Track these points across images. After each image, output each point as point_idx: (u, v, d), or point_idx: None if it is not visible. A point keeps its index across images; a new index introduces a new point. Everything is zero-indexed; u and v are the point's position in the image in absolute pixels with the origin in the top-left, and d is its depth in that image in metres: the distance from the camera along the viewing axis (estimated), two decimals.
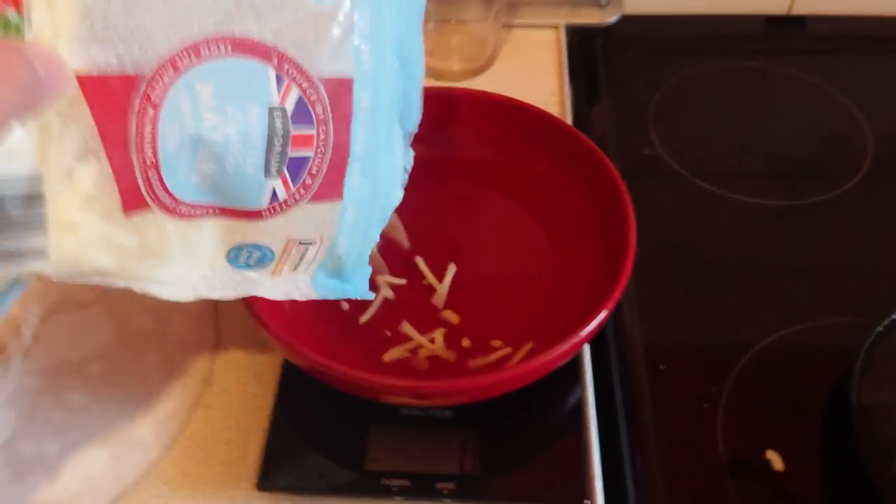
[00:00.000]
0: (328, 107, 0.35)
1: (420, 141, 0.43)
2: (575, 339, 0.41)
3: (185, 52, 0.31)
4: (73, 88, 0.30)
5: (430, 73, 0.69)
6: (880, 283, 0.56)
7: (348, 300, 0.50)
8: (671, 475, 0.46)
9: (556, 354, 0.40)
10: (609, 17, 0.76)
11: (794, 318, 0.53)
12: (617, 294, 0.42)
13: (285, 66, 0.34)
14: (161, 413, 0.47)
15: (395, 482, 0.43)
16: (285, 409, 0.46)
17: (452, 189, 0.57)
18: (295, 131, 0.35)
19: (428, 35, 0.40)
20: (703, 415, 0.49)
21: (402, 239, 0.52)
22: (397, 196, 0.42)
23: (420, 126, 0.42)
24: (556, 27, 0.75)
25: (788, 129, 0.68)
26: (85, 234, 0.33)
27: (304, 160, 0.36)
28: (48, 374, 0.48)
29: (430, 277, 0.51)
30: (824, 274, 0.57)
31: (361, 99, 0.36)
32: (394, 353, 0.48)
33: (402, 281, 0.51)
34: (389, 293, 0.51)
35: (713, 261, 0.58)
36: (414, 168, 0.43)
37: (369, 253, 0.42)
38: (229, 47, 0.32)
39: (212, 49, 0.32)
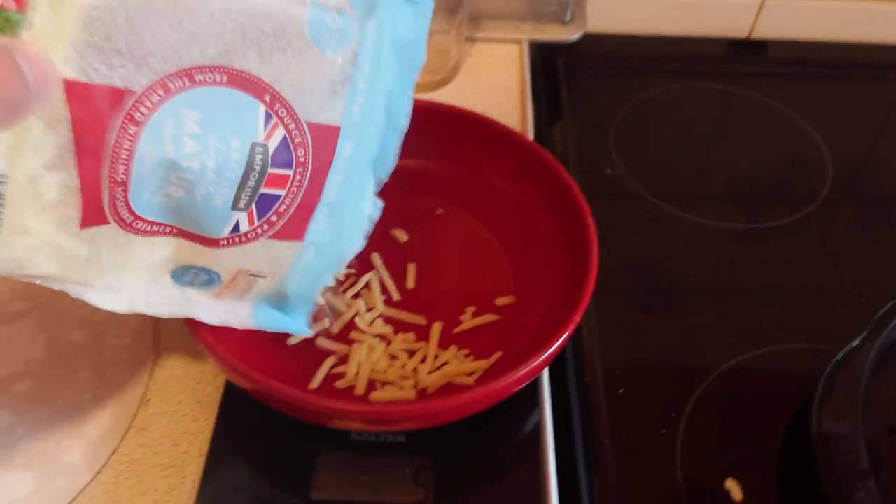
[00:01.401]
0: (310, 151, 0.35)
1: None
2: (535, 363, 0.39)
3: (179, 76, 0.30)
4: (59, 95, 0.28)
5: None
6: (840, 309, 0.56)
7: None
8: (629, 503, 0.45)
9: (516, 378, 0.39)
10: (572, 35, 0.75)
11: (754, 343, 0.53)
12: (578, 316, 0.41)
13: (276, 105, 0.33)
14: (92, 434, 0.44)
15: None
16: (226, 432, 0.44)
17: (409, 202, 0.55)
18: (272, 170, 0.34)
19: None
20: (662, 441, 0.47)
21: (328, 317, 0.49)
22: (358, 244, 0.42)
23: None
24: (519, 42, 0.74)
25: (749, 152, 0.68)
26: (35, 241, 0.31)
27: (275, 199, 0.36)
28: None
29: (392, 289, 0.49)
30: (784, 298, 0.57)
31: (344, 148, 0.36)
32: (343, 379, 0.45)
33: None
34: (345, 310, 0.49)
35: (673, 283, 0.57)
36: None
37: (316, 294, 0.42)
38: (225, 78, 0.32)
39: (207, 77, 0.31)
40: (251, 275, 0.39)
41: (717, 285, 0.57)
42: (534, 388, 0.47)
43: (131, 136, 0.30)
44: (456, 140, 0.54)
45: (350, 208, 0.40)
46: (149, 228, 0.35)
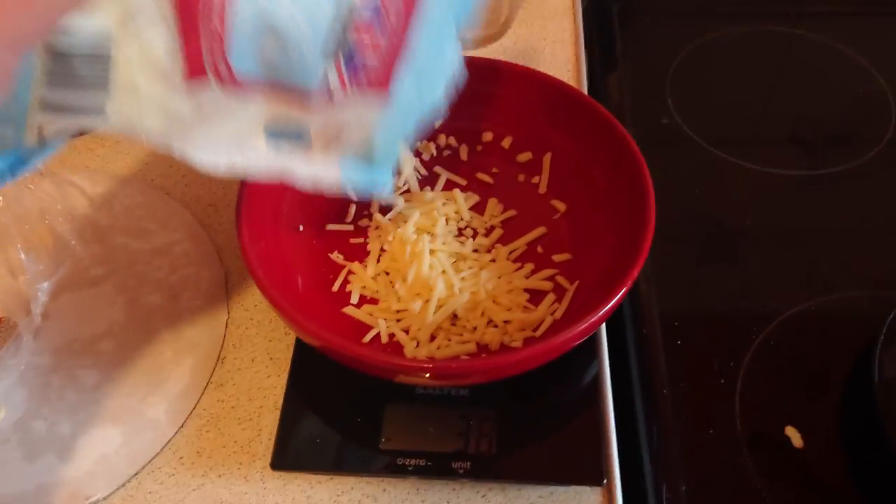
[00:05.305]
0: (399, 6, 0.36)
1: None
2: (593, 318, 0.40)
3: None
4: None
5: None
6: None
7: None
8: (689, 452, 0.46)
9: (574, 333, 0.39)
10: None
11: (815, 291, 0.52)
12: (635, 272, 0.41)
13: None
14: (173, 391, 0.47)
15: (411, 461, 0.42)
16: (298, 387, 0.46)
17: (464, 161, 0.55)
18: (358, 20, 0.35)
19: None
20: (721, 391, 0.48)
21: None
22: (440, 98, 0.42)
23: None
24: None
25: (810, 96, 0.66)
26: (144, 98, 0.33)
27: (362, 52, 0.36)
28: (59, 353, 0.48)
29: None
30: (847, 245, 0.56)
31: (429, 3, 0.37)
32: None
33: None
34: None
35: (732, 232, 0.57)
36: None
37: (398, 149, 0.43)
38: None
39: None
40: (340, 134, 0.40)
41: (777, 233, 0.57)
42: (592, 341, 0.47)
43: None
44: (509, 96, 0.54)
45: (433, 59, 0.40)
46: (245, 86, 0.36)
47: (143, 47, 0.32)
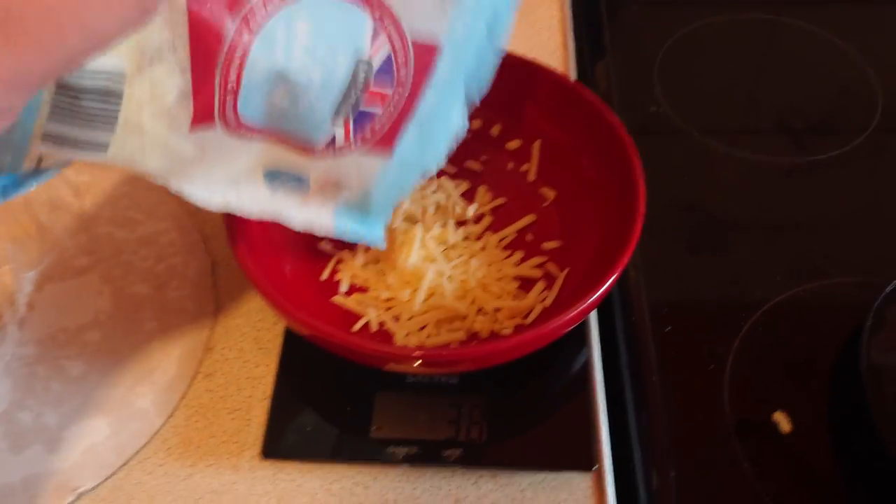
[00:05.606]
0: (411, 69, 0.36)
1: None
2: (583, 305, 0.40)
3: None
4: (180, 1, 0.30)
5: None
6: (891, 241, 0.55)
7: None
8: (678, 438, 0.46)
9: (564, 321, 0.39)
10: None
11: (803, 278, 0.53)
12: (625, 259, 0.41)
13: (385, 19, 0.34)
14: (161, 381, 0.46)
15: (401, 449, 0.42)
16: (288, 376, 0.46)
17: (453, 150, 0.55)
18: (374, 87, 0.35)
19: None
20: (710, 377, 0.48)
21: None
22: (442, 159, 0.42)
23: None
24: None
25: (797, 84, 0.66)
26: (148, 139, 0.33)
27: (372, 115, 0.37)
28: (44, 343, 0.48)
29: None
30: (834, 232, 0.56)
31: (442, 66, 0.37)
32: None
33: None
34: None
35: (720, 220, 0.57)
36: None
37: (394, 205, 0.43)
38: None
39: None
40: (338, 184, 0.40)
41: (765, 221, 0.57)
42: (582, 328, 0.47)
43: (245, 44, 0.32)
44: (498, 84, 0.53)
45: (439, 124, 0.40)
46: (251, 134, 0.36)
47: (154, 90, 0.32)
